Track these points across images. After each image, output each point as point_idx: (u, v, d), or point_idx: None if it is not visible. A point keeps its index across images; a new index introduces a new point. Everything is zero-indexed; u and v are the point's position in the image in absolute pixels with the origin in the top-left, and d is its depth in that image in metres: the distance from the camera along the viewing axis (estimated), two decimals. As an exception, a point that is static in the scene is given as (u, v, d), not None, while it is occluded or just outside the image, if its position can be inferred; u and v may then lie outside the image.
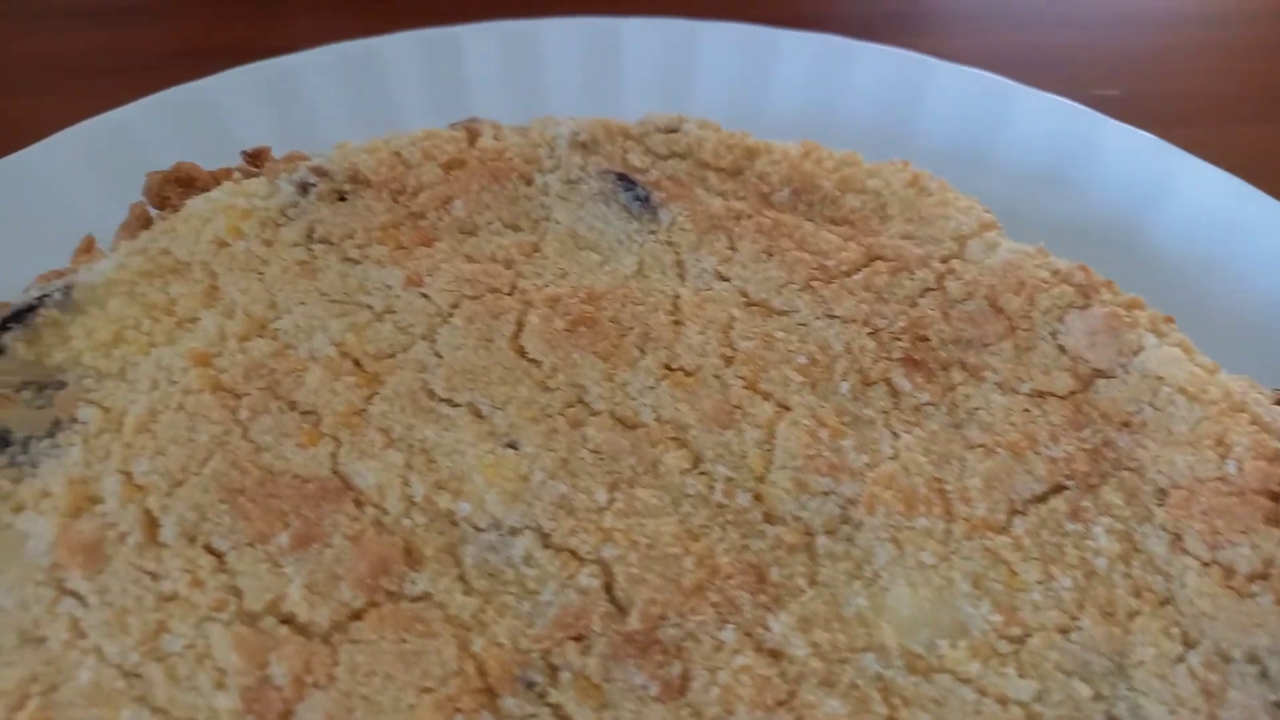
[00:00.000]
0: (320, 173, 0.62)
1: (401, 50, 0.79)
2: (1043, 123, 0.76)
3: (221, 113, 0.76)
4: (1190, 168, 0.73)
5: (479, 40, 0.80)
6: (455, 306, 0.55)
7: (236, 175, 0.63)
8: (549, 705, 0.43)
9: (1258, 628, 0.45)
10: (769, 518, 0.49)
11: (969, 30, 0.99)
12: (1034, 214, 0.69)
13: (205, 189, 0.63)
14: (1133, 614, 0.46)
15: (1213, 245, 0.71)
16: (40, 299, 0.55)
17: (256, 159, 0.65)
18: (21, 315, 0.55)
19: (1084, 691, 0.44)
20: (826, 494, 0.49)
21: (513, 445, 0.50)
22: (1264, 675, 0.44)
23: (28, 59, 0.92)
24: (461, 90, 0.79)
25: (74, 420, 0.52)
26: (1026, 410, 0.53)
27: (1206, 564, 0.47)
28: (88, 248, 0.62)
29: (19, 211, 0.69)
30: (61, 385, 0.53)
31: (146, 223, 0.63)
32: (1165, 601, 0.46)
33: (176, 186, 0.63)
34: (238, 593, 0.45)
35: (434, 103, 0.78)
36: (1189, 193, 0.72)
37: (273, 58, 0.78)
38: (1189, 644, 0.45)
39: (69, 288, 0.56)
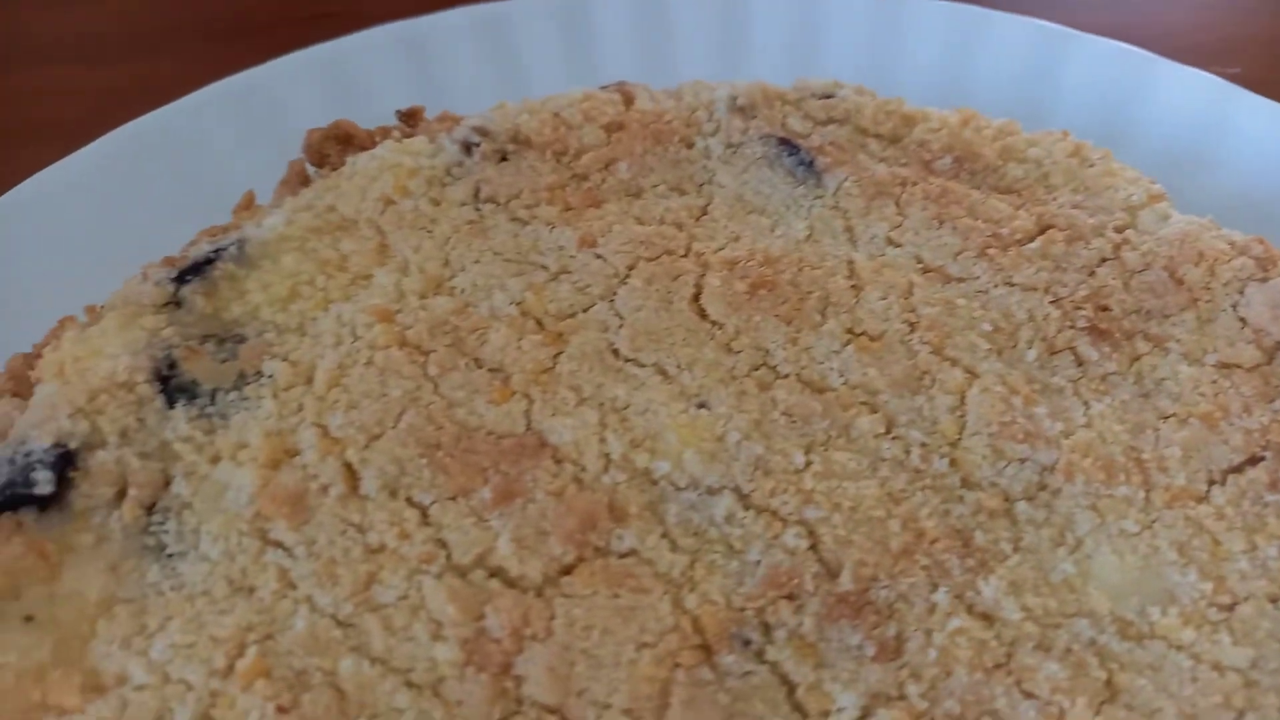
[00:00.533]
0: (482, 132, 0.61)
1: (531, 11, 0.78)
2: (1184, 96, 0.75)
3: (354, 73, 0.76)
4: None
5: (609, 3, 0.79)
6: (632, 268, 0.55)
7: (395, 134, 0.63)
8: (766, 663, 0.43)
9: None
10: (966, 483, 0.48)
11: (1084, 5, 0.98)
12: (1175, 188, 0.69)
13: (363, 147, 0.63)
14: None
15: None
16: (216, 253, 0.55)
17: (411, 119, 0.65)
18: (199, 268, 0.55)
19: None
20: (1023, 461, 0.49)
21: (704, 406, 0.50)
22: None
23: (159, 23, 0.92)
24: (589, 52, 0.79)
25: (258, 374, 0.52)
26: (1214, 381, 0.52)
27: None
28: (248, 204, 0.62)
29: (166, 168, 0.68)
30: (241, 339, 0.53)
31: (305, 180, 0.62)
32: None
33: (335, 144, 0.63)
34: (445, 546, 0.45)
35: (564, 63, 0.77)
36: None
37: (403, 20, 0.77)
38: None
39: (242, 242, 0.56)
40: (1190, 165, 0.73)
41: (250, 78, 0.75)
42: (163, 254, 0.58)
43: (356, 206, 0.58)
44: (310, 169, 0.63)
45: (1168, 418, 0.51)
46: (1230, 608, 0.45)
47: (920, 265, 0.56)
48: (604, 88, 0.66)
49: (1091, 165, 0.62)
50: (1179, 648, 0.44)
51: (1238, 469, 0.49)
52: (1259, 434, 0.50)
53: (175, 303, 0.54)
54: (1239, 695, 0.42)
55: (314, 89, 0.73)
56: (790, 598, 0.44)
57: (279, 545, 0.46)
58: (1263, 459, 0.49)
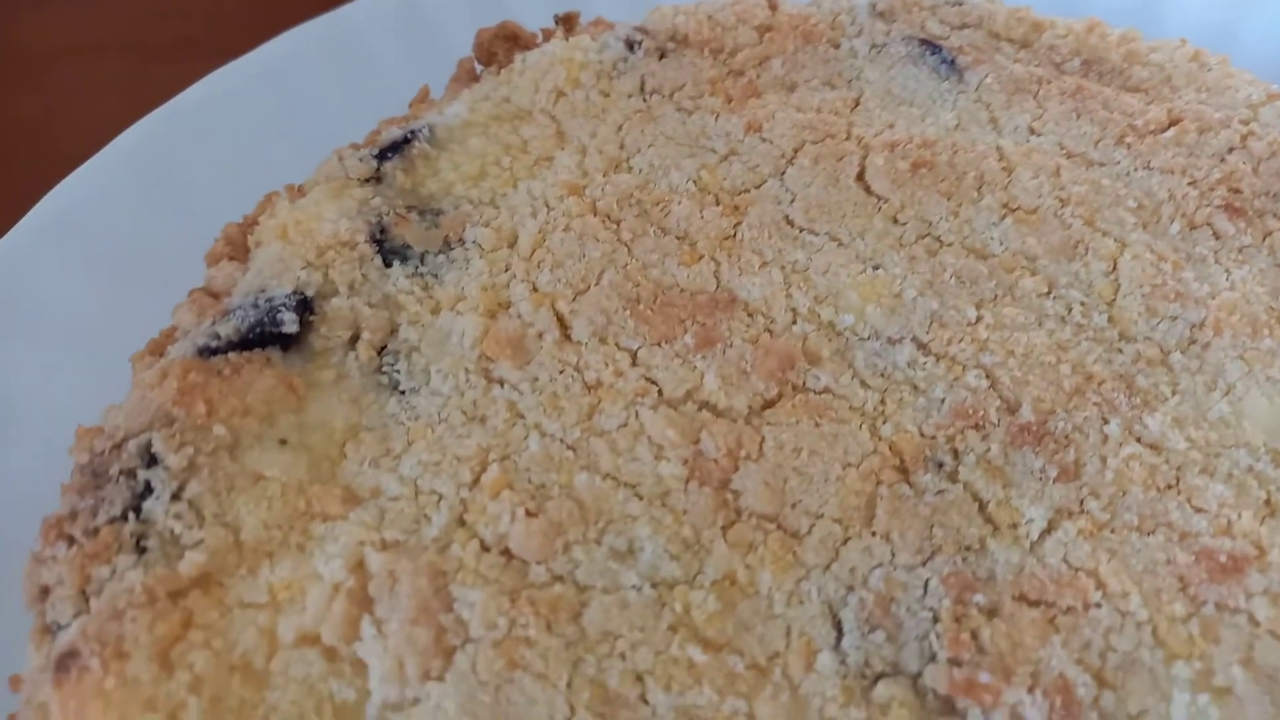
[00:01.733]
0: (643, 31, 0.65)
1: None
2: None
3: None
4: None
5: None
6: (798, 150, 0.59)
7: (557, 33, 0.67)
8: (959, 483, 0.47)
9: None
10: (1124, 336, 0.53)
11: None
12: None
13: (528, 47, 0.67)
14: None
15: None
16: (411, 134, 0.59)
17: (568, 23, 0.69)
18: (398, 147, 0.59)
19: None
20: (1174, 318, 0.53)
21: (879, 268, 0.54)
22: None
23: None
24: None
25: (461, 241, 0.56)
26: (1344, 254, 0.56)
27: None
28: (423, 98, 0.66)
29: (334, 66, 0.73)
30: (439, 212, 0.57)
31: (474, 77, 0.67)
32: None
33: (503, 43, 0.67)
34: (655, 383, 0.50)
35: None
36: None
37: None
38: None
39: (431, 127, 0.60)
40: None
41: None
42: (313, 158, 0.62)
43: (530, 98, 0.63)
44: (478, 66, 0.67)
45: (1303, 280, 0.55)
46: (1377, 443, 0.49)
47: (1064, 151, 0.60)
48: (748, -4, 0.70)
49: (1210, 69, 0.66)
50: (1332, 474, 0.48)
51: (1373, 327, 0.53)
52: (1390, 297, 0.54)
53: (377, 178, 0.58)
54: (1389, 511, 0.46)
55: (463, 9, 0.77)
56: (976, 428, 0.49)
57: (504, 382, 0.50)
58: (1395, 318, 0.53)
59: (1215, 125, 0.62)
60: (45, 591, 0.43)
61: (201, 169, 0.71)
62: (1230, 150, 0.61)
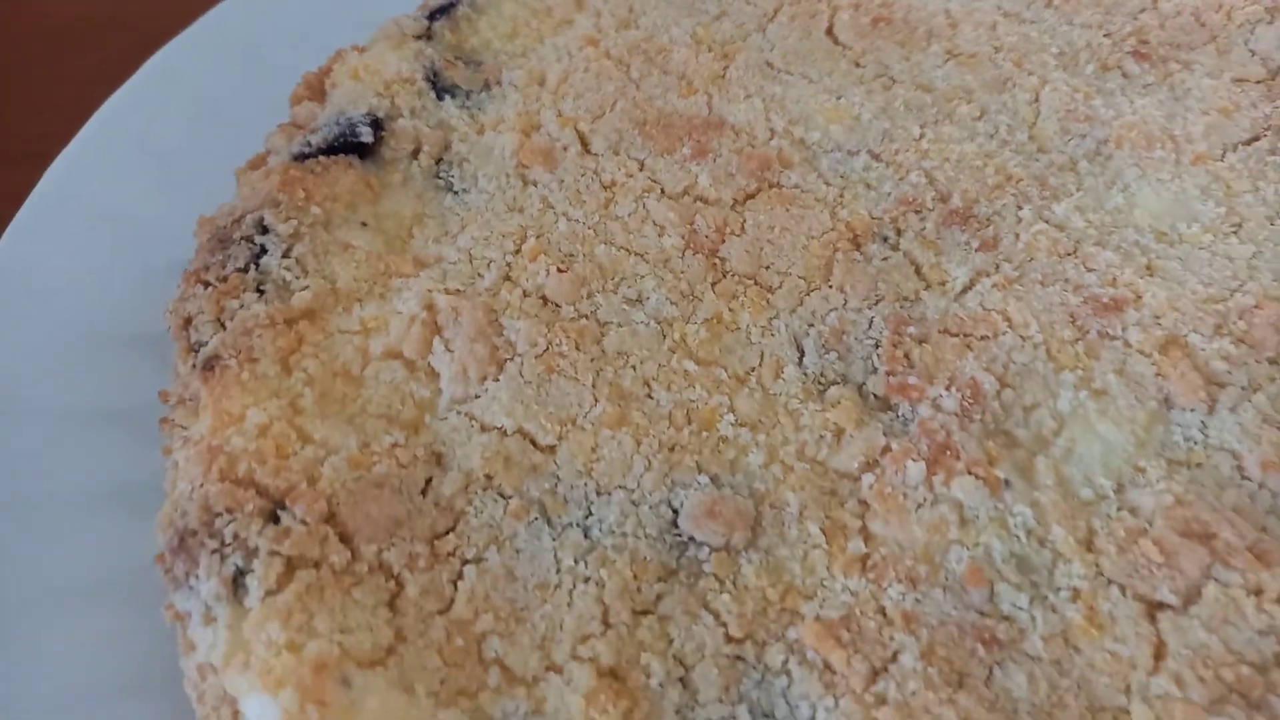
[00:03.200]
0: (649, -80, 0.77)
1: None
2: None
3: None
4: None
5: None
6: (778, 10, 0.71)
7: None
8: (900, 251, 0.59)
9: None
10: (1041, 150, 0.64)
11: None
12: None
13: (550, -64, 0.78)
14: (1324, 209, 0.61)
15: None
16: (455, 1, 0.71)
17: (584, -83, 0.80)
18: (445, 10, 0.71)
19: (1290, 256, 0.59)
20: (1084, 136, 0.65)
21: (841, 98, 0.66)
22: None
23: None
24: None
25: (498, 83, 0.68)
26: (1229, 89, 0.68)
27: (1379, 180, 0.62)
28: (463, -22, 0.78)
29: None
30: (480, 63, 0.70)
31: (505, -39, 0.78)
32: (1348, 203, 0.62)
33: (529, -67, 0.78)
34: (659, 182, 0.62)
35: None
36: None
37: None
38: (1367, 229, 0.61)
39: (473, -3, 0.72)
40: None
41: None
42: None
43: (554, -25, 0.75)
44: (509, -46, 0.79)
45: (1193, 111, 0.67)
46: (1239, 224, 0.61)
47: (1001, 11, 0.72)
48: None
49: (1134, -50, 0.78)
50: (1201, 247, 0.60)
51: (1248, 142, 0.65)
52: (1263, 120, 0.66)
53: (428, 35, 0.70)
54: (1243, 270, 0.58)
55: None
56: (916, 212, 0.61)
57: (537, 183, 0.62)
58: (1265, 135, 0.65)
59: (1131, -9, 0.73)
60: (188, 321, 0.55)
61: (272, 48, 0.82)
62: (1143, 10, 0.72)
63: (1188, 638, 0.46)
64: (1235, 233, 0.61)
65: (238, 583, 0.46)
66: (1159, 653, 0.46)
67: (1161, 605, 0.47)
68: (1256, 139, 0.65)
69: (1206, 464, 0.51)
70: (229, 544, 0.47)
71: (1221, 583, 0.47)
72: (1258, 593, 0.47)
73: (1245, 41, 0.71)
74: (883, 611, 0.47)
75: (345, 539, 0.48)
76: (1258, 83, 0.68)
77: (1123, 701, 0.45)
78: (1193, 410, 0.53)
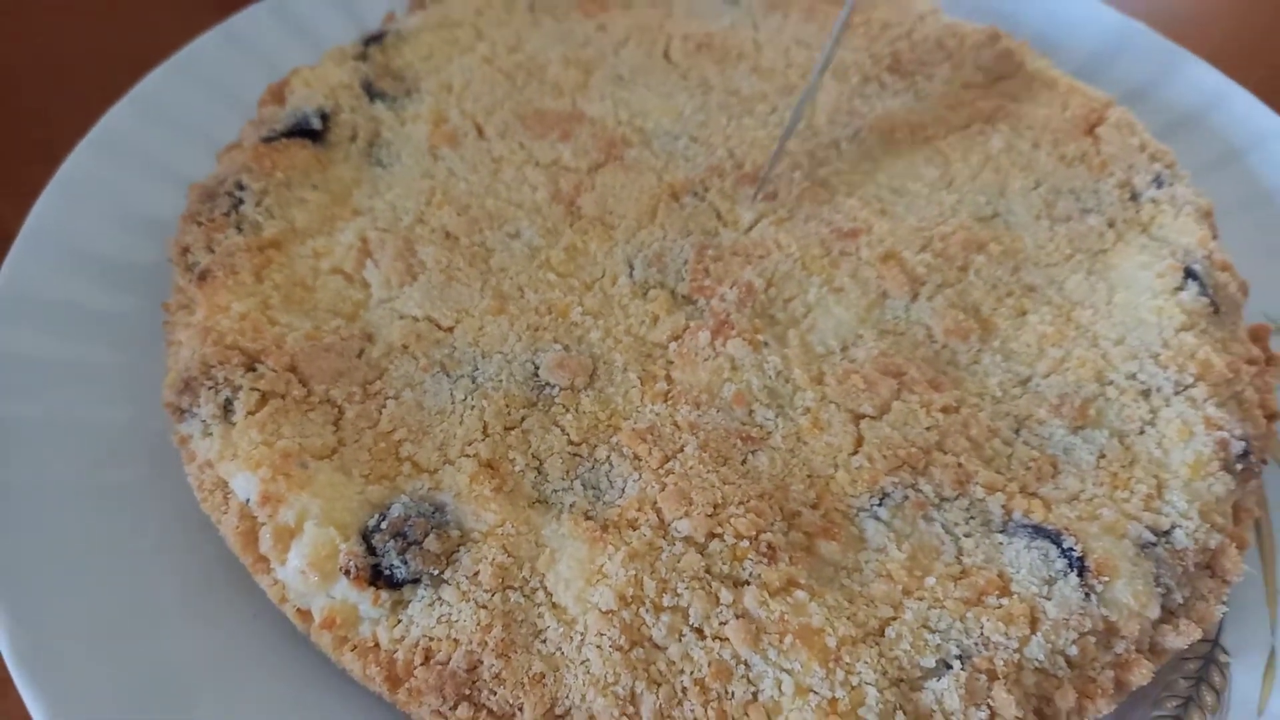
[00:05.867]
0: (534, -26, 1.01)
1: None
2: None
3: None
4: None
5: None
6: (628, 39, 0.95)
7: (480, -22, 1.03)
8: (706, 201, 0.83)
9: (1072, 175, 0.85)
10: (815, 134, 0.89)
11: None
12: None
13: (460, -14, 1.02)
14: (1008, 171, 0.86)
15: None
16: (384, 32, 0.94)
17: (487, -28, 1.04)
18: (378, 38, 0.94)
19: (981, 200, 0.84)
20: (846, 124, 0.89)
21: (671, 98, 0.90)
22: (1079, 208, 0.85)
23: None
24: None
25: (417, 90, 0.91)
26: (958, 92, 0.93)
27: (1049, 152, 0.87)
28: (390, 18, 1.01)
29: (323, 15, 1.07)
30: (403, 76, 0.92)
31: (423, 5, 1.02)
32: (1025, 168, 0.86)
33: (443, -16, 1.02)
34: (534, 156, 0.85)
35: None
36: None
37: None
38: (1038, 185, 0.85)
39: (398, 29, 0.95)
40: None
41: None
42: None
43: (461, 14, 0.98)
44: (427, 0, 1.02)
45: (929, 107, 0.92)
46: (950, 183, 0.85)
47: (795, 40, 0.97)
48: (605, -44, 1.06)
49: (901, -3, 1.04)
50: (920, 197, 0.84)
51: (964, 127, 0.90)
52: (977, 112, 0.91)
53: (364, 56, 0.93)
54: (948, 211, 0.82)
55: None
56: (719, 175, 0.84)
57: (444, 158, 0.85)
58: (976, 122, 0.90)
59: (892, 24, 0.99)
60: (185, 250, 0.76)
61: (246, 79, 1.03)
62: (899, 38, 0.98)
63: (879, 433, 0.68)
64: (946, 188, 0.85)
65: (227, 408, 0.67)
66: (859, 442, 0.68)
67: (863, 415, 0.69)
68: (970, 125, 0.90)
69: (907, 332, 0.75)
70: (220, 384, 0.67)
71: (905, 401, 0.70)
72: (929, 406, 0.70)
73: (974, 59, 0.97)
74: (675, 423, 0.69)
75: (303, 381, 0.68)
76: (978, 87, 0.94)
77: (831, 472, 0.67)
78: (900, 299, 0.76)
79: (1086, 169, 0.86)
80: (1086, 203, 0.84)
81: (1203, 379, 0.71)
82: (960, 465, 0.67)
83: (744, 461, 0.67)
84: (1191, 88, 1.05)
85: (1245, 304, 0.81)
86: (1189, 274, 0.77)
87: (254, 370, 0.68)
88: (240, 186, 0.79)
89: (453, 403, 0.69)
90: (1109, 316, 0.76)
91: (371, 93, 0.89)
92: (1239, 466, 0.67)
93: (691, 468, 0.66)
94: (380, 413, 0.68)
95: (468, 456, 0.66)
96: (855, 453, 0.68)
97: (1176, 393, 0.71)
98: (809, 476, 0.67)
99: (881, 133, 0.89)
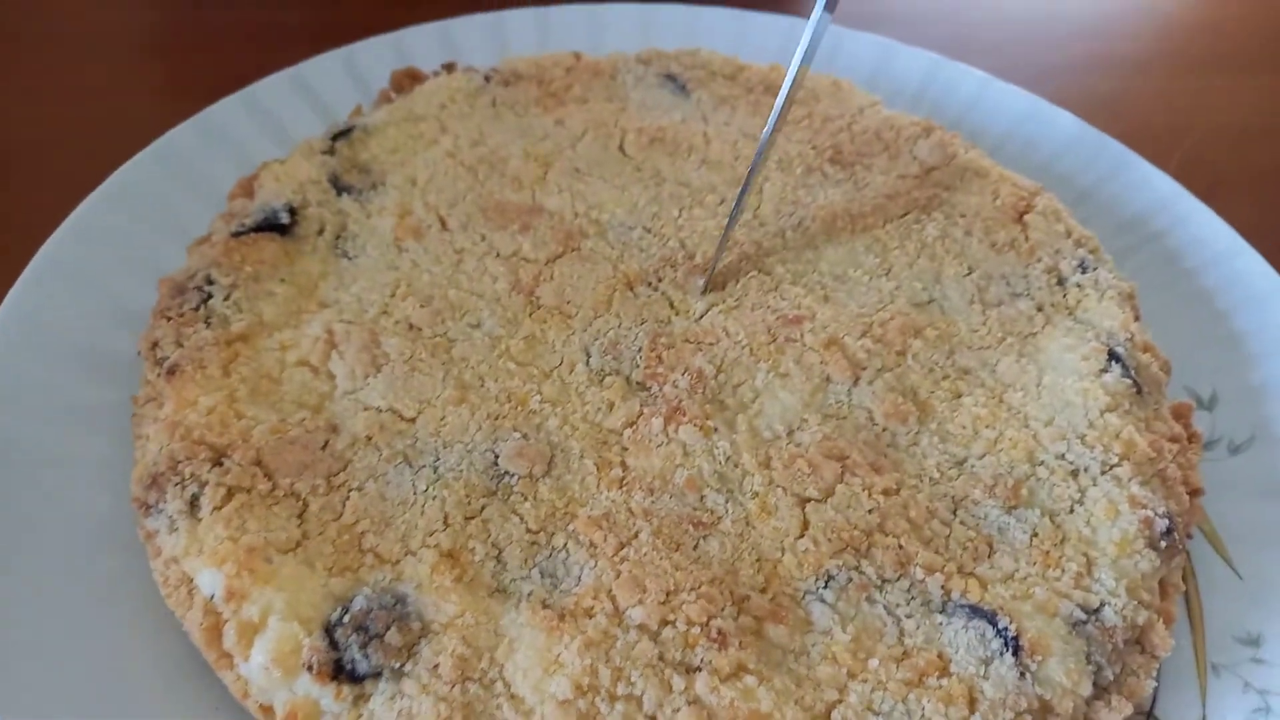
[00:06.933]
0: (494, 71, 1.06)
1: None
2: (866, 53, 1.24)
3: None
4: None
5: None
6: (584, 133, 1.00)
7: (442, 73, 1.08)
8: (659, 291, 0.87)
9: (1003, 261, 0.91)
10: (762, 224, 0.94)
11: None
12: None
13: (421, 80, 1.07)
14: (943, 258, 0.91)
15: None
16: (351, 126, 0.98)
17: (449, 68, 1.09)
18: (345, 133, 0.98)
19: (918, 287, 0.88)
20: (791, 214, 0.94)
21: (625, 190, 0.95)
22: (1009, 293, 0.90)
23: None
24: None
25: (383, 184, 0.95)
26: (894, 181, 0.99)
27: (981, 240, 0.93)
28: (358, 111, 1.06)
29: (300, 101, 1.11)
30: (370, 170, 0.96)
31: (389, 99, 1.06)
32: (959, 255, 0.92)
33: (407, 79, 1.07)
34: (495, 248, 0.89)
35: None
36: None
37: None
38: (971, 270, 0.90)
39: (365, 124, 0.99)
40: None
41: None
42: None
43: (425, 108, 1.02)
44: (393, 94, 1.07)
45: (869, 195, 0.97)
46: (889, 270, 0.90)
47: (743, 133, 1.03)
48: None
49: (842, 89, 1.10)
50: (861, 284, 0.89)
51: (901, 215, 0.95)
52: (913, 201, 0.96)
53: (331, 151, 0.96)
54: (887, 298, 0.87)
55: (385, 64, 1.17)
56: (671, 266, 0.88)
57: (408, 251, 0.88)
58: (913, 211, 0.95)
59: (833, 118, 1.05)
60: (155, 344, 0.78)
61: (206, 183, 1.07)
62: (840, 131, 1.04)
63: (823, 516, 0.72)
64: (885, 274, 0.90)
65: (193, 504, 0.69)
66: (804, 526, 0.71)
67: (809, 499, 0.73)
68: (907, 214, 0.96)
69: (849, 416, 0.79)
70: (187, 479, 0.69)
71: (848, 484, 0.74)
72: (870, 489, 0.73)
73: (910, 150, 1.02)
74: (630, 509, 0.71)
75: (268, 475, 0.70)
76: (914, 177, 1.00)
77: (779, 556, 0.70)
78: (843, 383, 0.80)
79: (1016, 255, 0.92)
80: (1017, 287, 0.89)
81: (1127, 458, 0.75)
82: (901, 546, 0.70)
83: (695, 547, 0.70)
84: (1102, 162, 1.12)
85: (1168, 381, 0.86)
86: (1112, 356, 0.82)
87: (220, 465, 0.70)
88: (209, 281, 0.82)
89: (415, 493, 0.72)
90: (1039, 398, 0.80)
91: (339, 186, 0.93)
92: (1163, 544, 0.71)
93: (645, 554, 0.68)
94: (344, 505, 0.70)
95: (429, 547, 0.69)
96: (801, 536, 0.71)
97: (1103, 472, 0.75)
98: (758, 560, 0.70)
99: (824, 222, 0.94)
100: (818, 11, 0.79)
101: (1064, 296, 0.89)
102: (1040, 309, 0.88)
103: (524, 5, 1.26)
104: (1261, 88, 1.49)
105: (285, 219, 0.88)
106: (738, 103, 1.07)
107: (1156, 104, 1.45)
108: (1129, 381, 0.80)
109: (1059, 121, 1.16)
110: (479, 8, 1.25)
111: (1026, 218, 0.95)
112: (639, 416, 0.77)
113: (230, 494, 0.69)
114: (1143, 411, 0.80)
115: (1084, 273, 0.90)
